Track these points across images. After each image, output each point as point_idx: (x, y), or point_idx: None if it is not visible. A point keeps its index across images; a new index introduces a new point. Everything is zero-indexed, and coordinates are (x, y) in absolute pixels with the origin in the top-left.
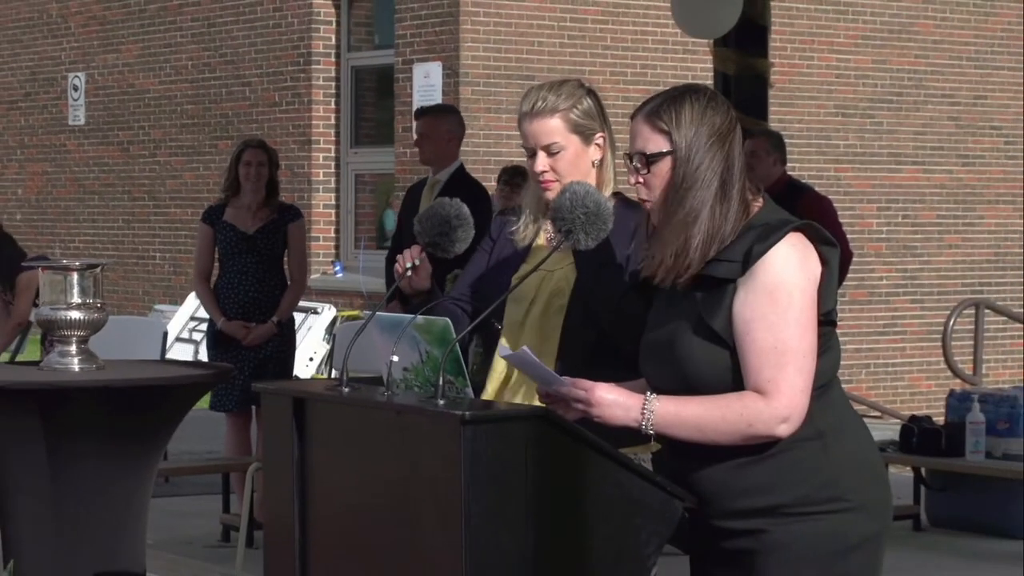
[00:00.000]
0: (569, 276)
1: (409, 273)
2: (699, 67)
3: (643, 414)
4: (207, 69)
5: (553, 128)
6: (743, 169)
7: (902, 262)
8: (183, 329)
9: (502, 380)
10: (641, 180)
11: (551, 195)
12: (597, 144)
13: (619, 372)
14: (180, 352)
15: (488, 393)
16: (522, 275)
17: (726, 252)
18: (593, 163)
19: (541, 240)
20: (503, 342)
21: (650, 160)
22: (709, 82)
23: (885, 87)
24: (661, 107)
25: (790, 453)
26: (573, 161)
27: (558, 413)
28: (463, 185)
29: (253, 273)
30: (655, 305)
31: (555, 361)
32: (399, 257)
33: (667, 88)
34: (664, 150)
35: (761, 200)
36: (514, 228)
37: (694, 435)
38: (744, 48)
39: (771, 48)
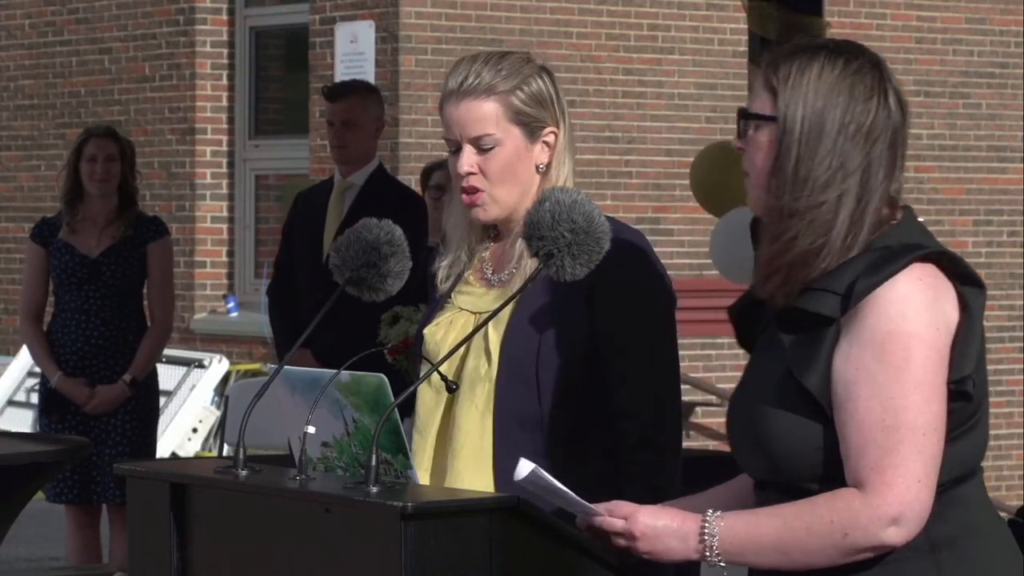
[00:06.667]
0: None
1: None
2: (728, 28)
3: (703, 540)
4: (51, 30)
5: (487, 114)
6: (892, 176)
7: (1008, 297)
8: (18, 388)
9: (431, 467)
10: (741, 146)
11: (481, 214)
12: (546, 142)
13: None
14: (15, 420)
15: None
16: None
17: (827, 279)
18: (538, 167)
19: (471, 280)
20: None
21: (748, 121)
22: (743, 48)
23: (984, 56)
24: (783, 57)
25: (890, 568)
26: (510, 163)
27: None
28: (387, 192)
29: (97, 311)
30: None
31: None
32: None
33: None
34: (765, 113)
35: (900, 215)
36: (434, 266)
37: (778, 561)
38: (790, 2)
39: (827, 1)
